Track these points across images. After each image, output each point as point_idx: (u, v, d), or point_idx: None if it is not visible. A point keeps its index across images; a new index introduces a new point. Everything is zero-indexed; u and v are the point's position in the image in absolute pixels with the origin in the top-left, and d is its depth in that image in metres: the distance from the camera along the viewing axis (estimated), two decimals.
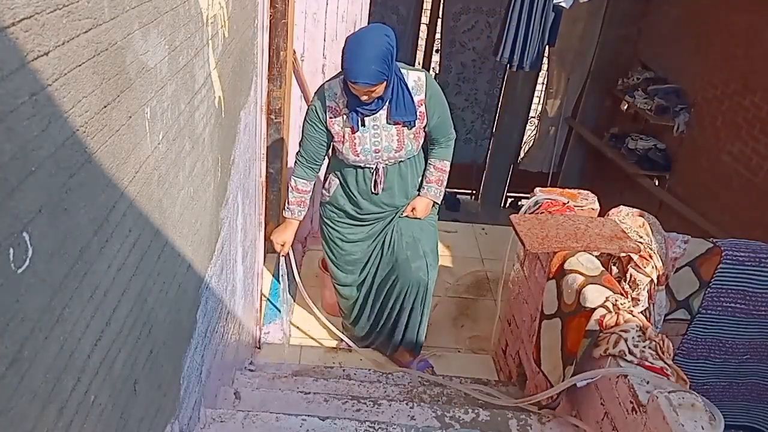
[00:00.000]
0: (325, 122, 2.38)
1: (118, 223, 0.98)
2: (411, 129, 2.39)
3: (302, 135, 2.48)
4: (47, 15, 0.69)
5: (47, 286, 0.76)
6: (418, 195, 2.61)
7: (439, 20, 5.76)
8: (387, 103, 2.30)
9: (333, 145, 2.46)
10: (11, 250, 0.66)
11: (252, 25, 2.14)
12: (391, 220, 2.64)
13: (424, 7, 5.80)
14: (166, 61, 1.15)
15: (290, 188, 2.56)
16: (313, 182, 2.57)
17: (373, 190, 2.51)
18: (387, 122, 2.35)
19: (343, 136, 2.38)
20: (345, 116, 2.34)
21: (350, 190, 2.55)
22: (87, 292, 0.88)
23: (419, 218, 2.62)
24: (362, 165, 2.45)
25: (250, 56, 2.15)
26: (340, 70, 2.23)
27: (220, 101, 1.66)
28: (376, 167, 2.45)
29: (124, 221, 1.01)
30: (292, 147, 3.55)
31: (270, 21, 2.69)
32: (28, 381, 0.73)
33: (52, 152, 0.74)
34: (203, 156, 1.52)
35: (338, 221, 2.65)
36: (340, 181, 2.56)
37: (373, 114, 2.31)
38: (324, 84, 2.39)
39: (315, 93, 2.42)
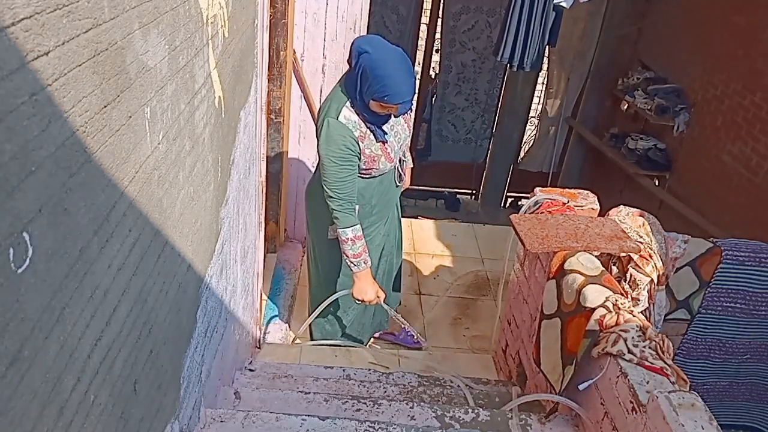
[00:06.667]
0: (360, 154, 2.31)
1: (118, 223, 0.98)
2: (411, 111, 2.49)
3: (338, 181, 2.29)
4: (47, 15, 0.69)
5: (47, 286, 0.75)
6: None
7: (439, 20, 5.76)
8: None
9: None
10: (11, 250, 0.66)
11: (252, 25, 2.14)
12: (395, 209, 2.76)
13: (424, 7, 5.81)
14: (166, 61, 1.14)
15: (350, 241, 2.37)
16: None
17: (398, 183, 2.56)
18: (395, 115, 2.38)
19: (375, 153, 2.35)
20: (370, 137, 2.31)
21: (372, 200, 2.52)
22: (87, 292, 0.88)
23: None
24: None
25: (250, 56, 2.15)
26: (340, 93, 2.23)
27: (220, 101, 1.66)
28: (399, 160, 2.50)
29: (124, 221, 1.01)
30: (293, 147, 3.55)
31: (270, 21, 2.69)
32: (28, 381, 0.73)
33: (52, 152, 0.74)
34: (203, 156, 1.52)
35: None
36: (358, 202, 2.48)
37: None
38: (337, 118, 2.23)
39: (334, 131, 2.23)
